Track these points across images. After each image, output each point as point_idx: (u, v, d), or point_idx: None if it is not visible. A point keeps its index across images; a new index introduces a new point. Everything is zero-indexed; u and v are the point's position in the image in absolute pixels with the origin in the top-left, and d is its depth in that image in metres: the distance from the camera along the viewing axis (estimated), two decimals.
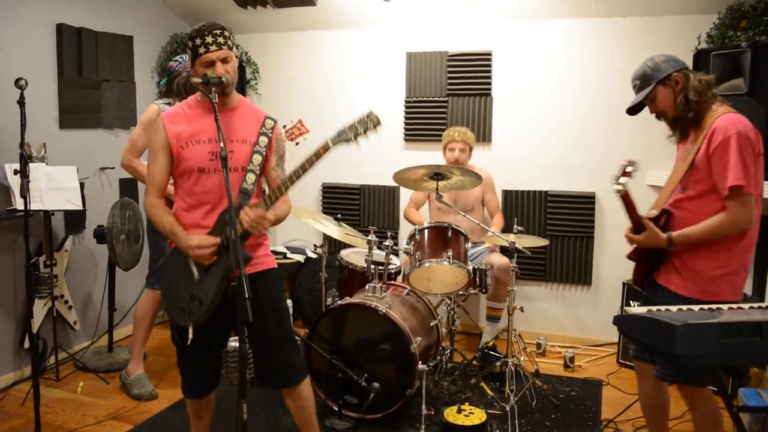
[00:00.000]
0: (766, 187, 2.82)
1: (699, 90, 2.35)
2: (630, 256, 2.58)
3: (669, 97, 2.41)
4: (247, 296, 1.85)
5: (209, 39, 2.25)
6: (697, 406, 2.47)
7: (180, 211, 2.39)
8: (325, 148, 2.25)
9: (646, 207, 2.55)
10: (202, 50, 2.26)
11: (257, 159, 2.38)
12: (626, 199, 2.39)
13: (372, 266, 3.52)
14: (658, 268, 2.52)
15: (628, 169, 2.38)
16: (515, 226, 3.64)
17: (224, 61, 2.28)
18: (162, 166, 2.36)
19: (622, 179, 2.37)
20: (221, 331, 2.35)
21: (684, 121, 2.41)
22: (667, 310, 1.78)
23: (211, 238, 2.28)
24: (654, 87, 2.41)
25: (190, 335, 2.30)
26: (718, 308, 1.79)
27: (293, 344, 2.54)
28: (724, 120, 2.28)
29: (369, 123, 2.24)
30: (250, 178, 2.35)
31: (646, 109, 2.55)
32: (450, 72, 4.75)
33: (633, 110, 2.55)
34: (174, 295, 2.39)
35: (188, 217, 2.37)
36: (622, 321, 1.87)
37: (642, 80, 2.46)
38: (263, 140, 2.41)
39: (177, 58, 3.54)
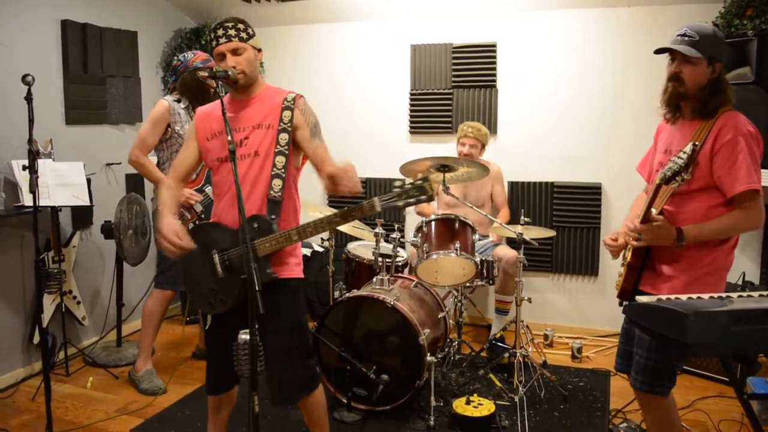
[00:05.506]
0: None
1: (726, 91, 2.23)
2: (632, 264, 2.34)
3: (702, 77, 2.22)
4: (257, 289, 1.85)
5: (220, 32, 2.28)
6: (655, 409, 2.36)
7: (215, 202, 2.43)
8: (371, 208, 2.05)
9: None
10: (214, 44, 2.30)
11: (284, 138, 2.29)
12: (658, 189, 2.22)
13: (379, 259, 3.53)
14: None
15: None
16: (522, 218, 3.64)
17: (235, 52, 2.27)
18: (187, 155, 2.43)
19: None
20: (242, 326, 2.33)
21: (677, 101, 2.27)
22: (677, 298, 1.78)
23: (186, 241, 2.22)
24: (702, 58, 2.20)
25: (209, 322, 2.34)
26: (728, 296, 1.78)
27: (297, 361, 2.36)
28: (731, 118, 2.18)
29: (421, 194, 2.03)
30: (280, 161, 2.28)
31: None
32: (455, 64, 4.74)
33: (660, 51, 2.30)
34: (194, 278, 2.38)
35: (214, 208, 2.42)
36: (631, 310, 1.87)
37: (699, 41, 2.20)
38: (286, 115, 2.30)
39: (180, 57, 3.59)
